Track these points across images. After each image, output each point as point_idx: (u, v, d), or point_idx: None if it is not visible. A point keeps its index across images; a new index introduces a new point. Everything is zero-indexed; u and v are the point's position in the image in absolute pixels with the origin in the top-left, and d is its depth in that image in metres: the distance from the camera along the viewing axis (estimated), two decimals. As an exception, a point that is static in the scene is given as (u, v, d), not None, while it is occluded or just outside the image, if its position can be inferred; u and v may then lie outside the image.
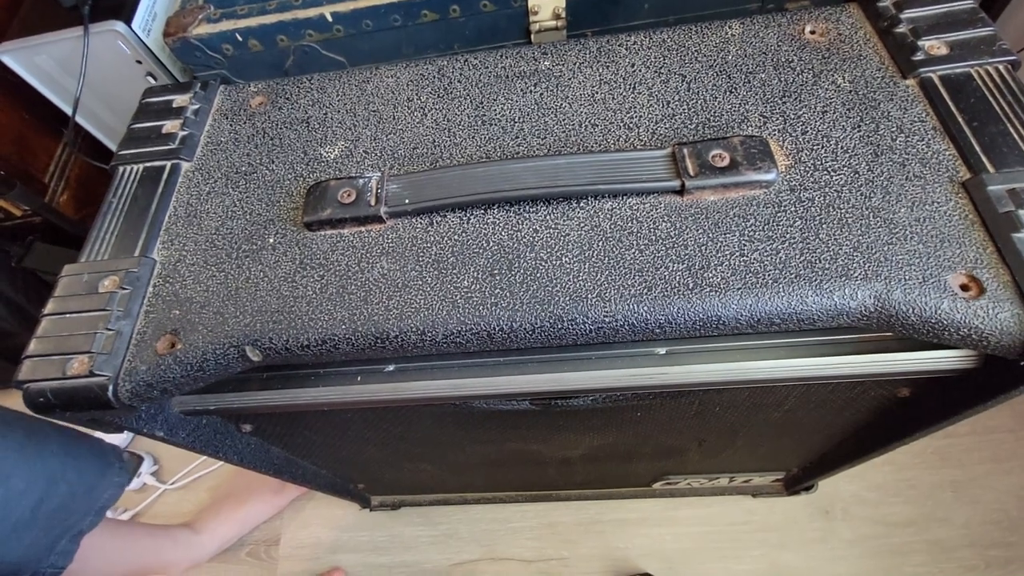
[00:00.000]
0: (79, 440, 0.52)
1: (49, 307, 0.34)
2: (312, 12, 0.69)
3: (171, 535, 0.73)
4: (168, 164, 0.40)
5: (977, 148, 0.31)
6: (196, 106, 0.42)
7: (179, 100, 0.43)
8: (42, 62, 0.79)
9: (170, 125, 0.42)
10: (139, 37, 0.78)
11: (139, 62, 0.79)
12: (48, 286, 0.96)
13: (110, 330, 0.33)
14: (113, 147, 0.94)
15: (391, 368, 0.38)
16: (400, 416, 0.46)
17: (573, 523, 0.78)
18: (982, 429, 0.76)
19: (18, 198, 0.86)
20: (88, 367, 0.31)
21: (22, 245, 0.90)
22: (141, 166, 0.40)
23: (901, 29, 0.36)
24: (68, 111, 0.85)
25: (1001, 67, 0.33)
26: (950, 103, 0.33)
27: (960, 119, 0.32)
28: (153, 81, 0.82)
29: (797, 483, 0.70)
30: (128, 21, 0.76)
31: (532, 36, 0.72)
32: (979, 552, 0.69)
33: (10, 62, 0.78)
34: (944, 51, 0.34)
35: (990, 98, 0.32)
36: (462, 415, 0.45)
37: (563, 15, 0.70)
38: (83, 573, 0.53)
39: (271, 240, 0.36)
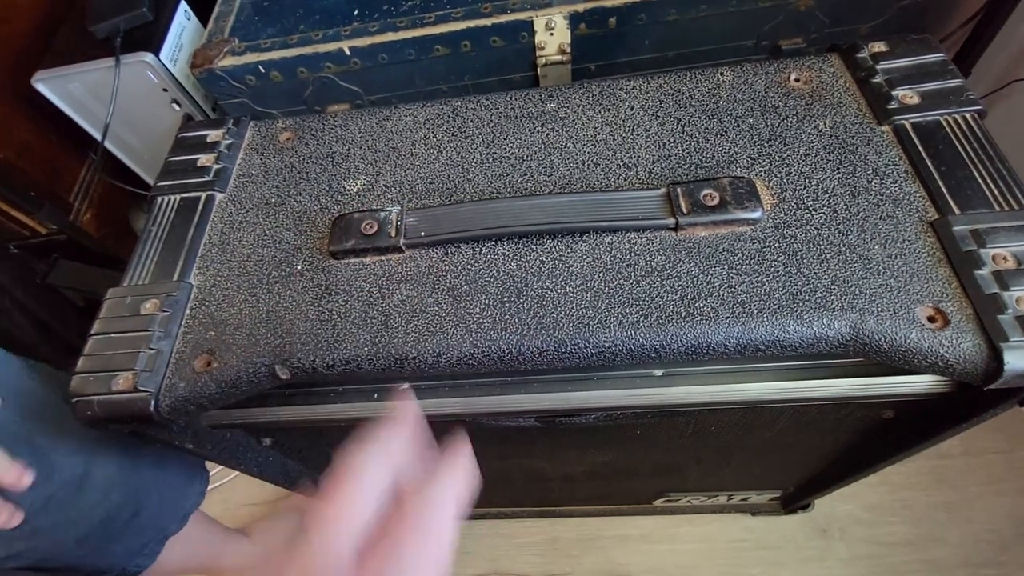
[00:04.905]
0: (168, 450, 0.55)
1: (95, 327, 0.37)
2: (331, 46, 0.74)
3: (233, 539, 0.75)
4: (203, 195, 0.43)
5: (945, 191, 0.34)
6: (229, 141, 0.46)
7: (213, 135, 0.46)
8: (74, 90, 0.84)
9: (205, 159, 0.45)
10: (166, 67, 0.82)
11: (165, 90, 0.84)
12: (69, 302, 1.00)
13: (152, 349, 0.36)
14: (136, 169, 0.99)
15: (405, 386, 0.41)
16: (412, 431, 0.48)
17: (576, 539, 0.80)
18: (975, 451, 0.77)
19: (46, 217, 0.89)
20: (133, 383, 0.34)
21: (46, 262, 0.94)
22: (178, 196, 0.44)
23: (877, 79, 0.39)
24: (95, 135, 0.89)
25: (968, 116, 0.37)
26: (921, 149, 0.36)
27: (930, 164, 0.35)
28: (178, 108, 0.87)
29: (794, 501, 0.72)
30: (157, 52, 0.81)
31: (539, 70, 0.76)
32: (972, 571, 0.71)
33: (44, 90, 0.82)
34: (916, 100, 0.38)
35: (957, 145, 0.35)
36: (472, 431, 0.47)
37: (568, 50, 0.74)
38: (159, 564, 0.56)
39: (299, 267, 0.39)
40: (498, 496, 0.74)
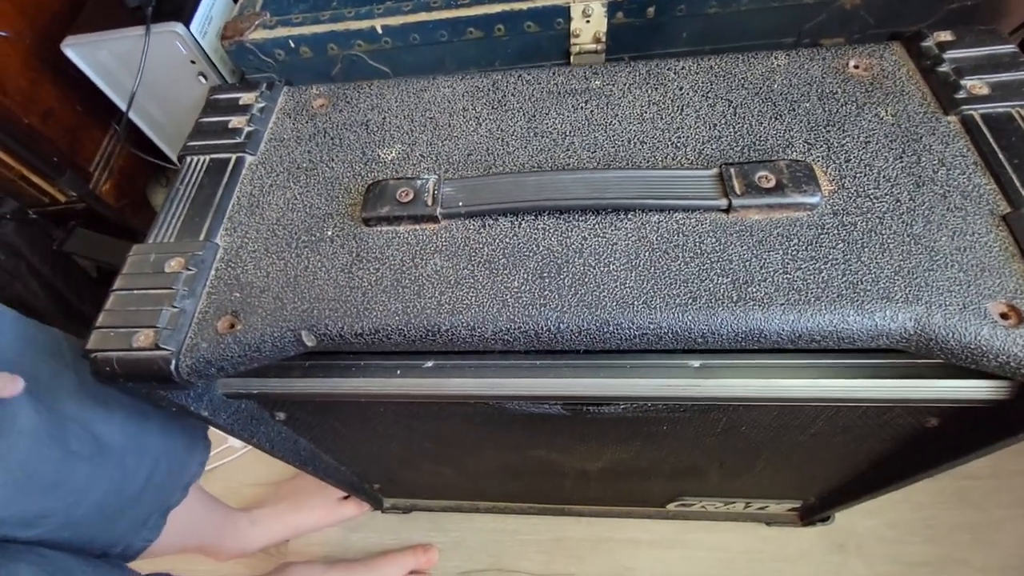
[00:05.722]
0: (173, 416, 0.53)
1: (117, 283, 0.36)
2: (363, 24, 0.72)
3: (233, 519, 0.74)
4: (233, 157, 0.42)
5: (1017, 183, 0.32)
6: (262, 104, 0.45)
7: (246, 98, 0.45)
8: (103, 57, 0.83)
9: (236, 120, 0.44)
10: (195, 39, 0.81)
11: (193, 62, 0.83)
12: (83, 271, 0.99)
13: (175, 307, 0.34)
14: (158, 141, 0.98)
15: (430, 364, 0.40)
16: (430, 414, 0.47)
17: (582, 539, 0.78)
18: (1004, 472, 0.75)
19: (66, 184, 0.89)
20: (153, 340, 0.33)
21: (64, 229, 0.93)
22: (208, 157, 0.42)
23: (944, 68, 0.37)
24: (120, 104, 0.88)
25: (1042, 109, 0.35)
26: (991, 140, 0.34)
27: (1001, 156, 0.33)
28: (204, 81, 0.86)
29: (813, 513, 0.70)
30: (187, 23, 0.80)
31: (572, 58, 0.75)
32: (996, 597, 0.68)
33: (73, 56, 0.82)
34: (986, 91, 0.36)
35: (1031, 137, 0.34)
36: (492, 417, 0.46)
37: (603, 39, 0.72)
38: (159, 543, 0.55)
39: (329, 232, 0.37)
40: (506, 489, 0.73)
